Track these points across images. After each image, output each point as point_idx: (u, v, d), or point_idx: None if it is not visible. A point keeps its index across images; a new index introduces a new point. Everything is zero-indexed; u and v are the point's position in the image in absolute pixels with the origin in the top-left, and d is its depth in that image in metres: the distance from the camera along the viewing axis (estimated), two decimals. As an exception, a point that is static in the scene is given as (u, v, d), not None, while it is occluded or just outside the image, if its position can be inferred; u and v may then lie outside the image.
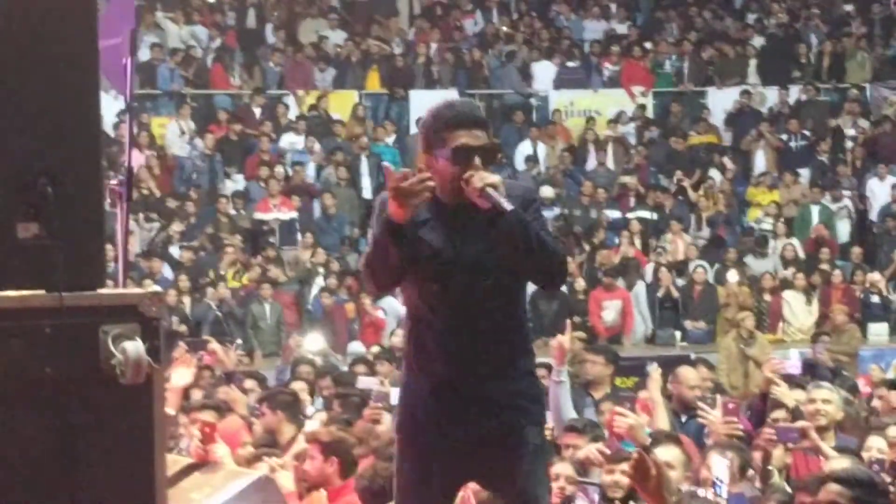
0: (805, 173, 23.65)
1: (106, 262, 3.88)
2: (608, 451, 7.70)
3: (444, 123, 5.06)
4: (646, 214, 22.24)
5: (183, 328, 17.84)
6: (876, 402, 11.59)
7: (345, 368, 14.58)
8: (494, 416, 5.12)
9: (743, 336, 18.00)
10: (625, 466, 7.09)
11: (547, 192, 21.79)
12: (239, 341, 16.60)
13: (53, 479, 3.39)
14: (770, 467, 7.48)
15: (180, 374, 9.44)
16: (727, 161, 23.54)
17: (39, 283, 3.51)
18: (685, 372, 10.75)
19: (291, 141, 23.08)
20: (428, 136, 5.11)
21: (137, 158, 21.75)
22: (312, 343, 16.12)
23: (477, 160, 4.97)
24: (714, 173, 23.33)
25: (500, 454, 5.13)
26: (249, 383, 11.72)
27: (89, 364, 3.41)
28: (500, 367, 5.16)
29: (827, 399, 8.64)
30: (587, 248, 21.34)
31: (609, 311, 19.83)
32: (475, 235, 5.04)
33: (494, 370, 5.15)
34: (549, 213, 21.03)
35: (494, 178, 4.97)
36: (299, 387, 11.20)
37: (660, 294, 20.38)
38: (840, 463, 7.12)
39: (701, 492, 7.01)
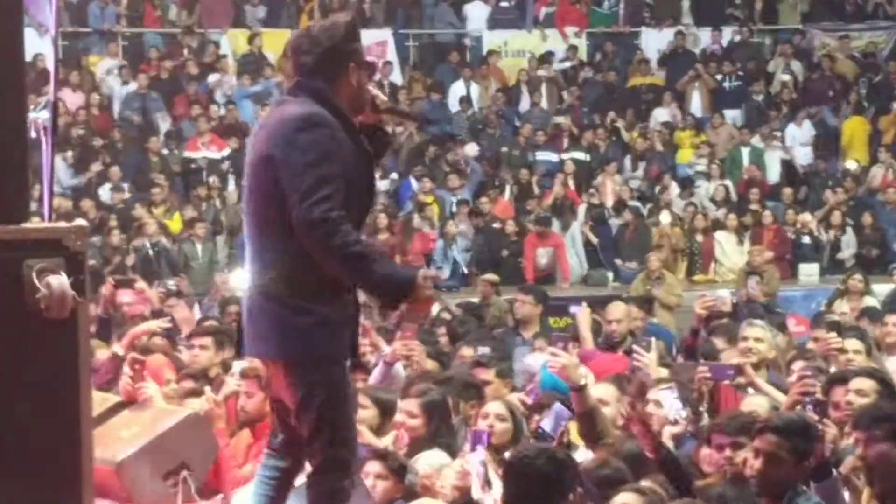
0: (737, 115, 23.75)
1: (30, 197, 3.81)
2: (529, 401, 7.82)
3: (356, 35, 4.83)
4: (580, 156, 22.23)
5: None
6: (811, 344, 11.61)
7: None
8: None
9: (651, 277, 17.92)
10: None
11: (471, 150, 21.91)
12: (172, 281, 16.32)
13: (-24, 415, 3.35)
14: (702, 408, 7.44)
15: None
16: (668, 103, 23.61)
17: (-38, 217, 3.45)
18: (612, 306, 10.81)
19: (222, 80, 22.86)
20: (350, 49, 4.79)
21: (73, 99, 21.58)
22: (239, 280, 15.79)
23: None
24: (651, 114, 23.40)
25: None
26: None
27: (13, 298, 3.36)
28: None
29: (759, 337, 8.69)
30: (516, 189, 21.37)
31: (542, 257, 19.85)
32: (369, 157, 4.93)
33: None
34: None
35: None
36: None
37: (581, 239, 20.49)
38: (757, 400, 7.12)
39: None
